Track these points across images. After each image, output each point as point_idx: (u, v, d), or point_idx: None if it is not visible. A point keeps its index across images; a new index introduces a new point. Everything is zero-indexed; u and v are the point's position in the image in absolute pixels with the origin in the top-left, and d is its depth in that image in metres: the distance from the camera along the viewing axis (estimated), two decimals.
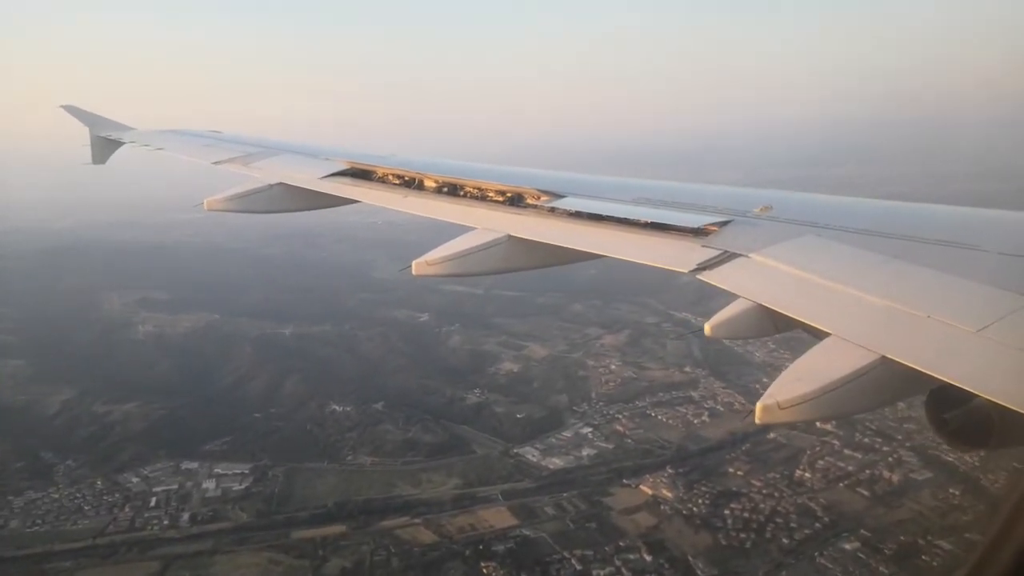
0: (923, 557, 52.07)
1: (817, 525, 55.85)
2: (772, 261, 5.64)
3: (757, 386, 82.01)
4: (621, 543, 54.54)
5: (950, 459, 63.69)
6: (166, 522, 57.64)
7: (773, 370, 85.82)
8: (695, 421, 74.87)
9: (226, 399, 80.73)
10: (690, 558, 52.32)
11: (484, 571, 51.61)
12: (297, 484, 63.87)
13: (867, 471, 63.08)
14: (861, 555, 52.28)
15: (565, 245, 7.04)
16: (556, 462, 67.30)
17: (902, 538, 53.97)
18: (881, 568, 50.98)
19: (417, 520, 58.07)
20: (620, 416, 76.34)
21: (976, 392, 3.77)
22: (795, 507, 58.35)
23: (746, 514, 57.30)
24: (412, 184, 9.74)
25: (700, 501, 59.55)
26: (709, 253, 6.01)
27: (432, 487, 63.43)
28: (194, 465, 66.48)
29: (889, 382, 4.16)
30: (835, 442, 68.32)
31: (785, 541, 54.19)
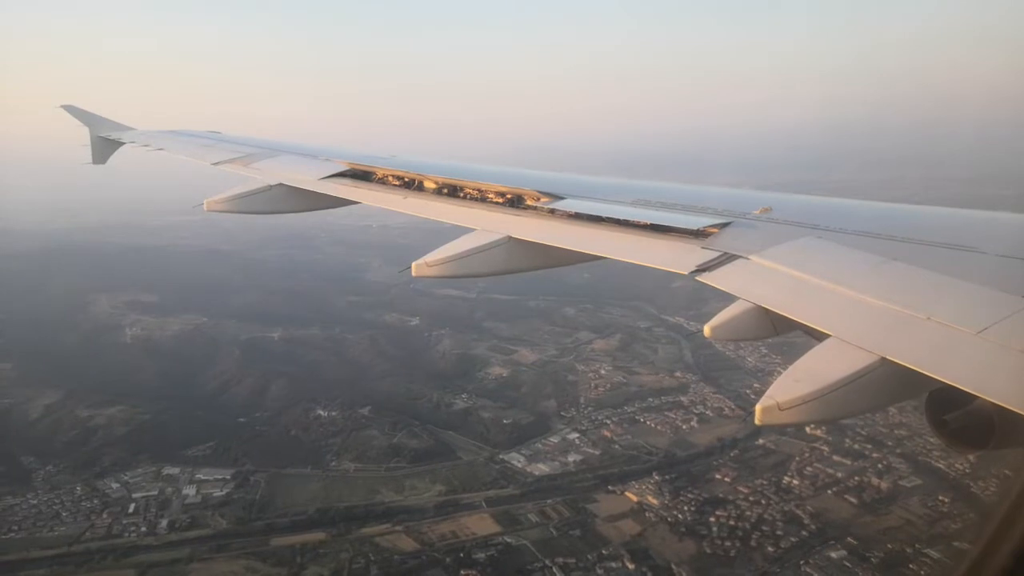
0: (910, 566, 51.40)
1: (803, 533, 55.10)
2: (772, 263, 5.63)
3: (748, 391, 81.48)
4: (604, 551, 53.78)
5: (940, 466, 63.08)
6: (144, 529, 56.81)
7: (765, 375, 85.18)
8: (684, 427, 74.10)
9: (211, 403, 79.95)
10: (673, 566, 51.56)
11: None
12: (279, 490, 63.05)
13: (856, 478, 62.33)
14: (847, 563, 51.55)
15: (565, 246, 7.03)
16: (542, 468, 66.49)
17: (889, 546, 53.22)
18: None
19: (398, 527, 57.29)
20: (608, 421, 75.60)
21: (976, 393, 3.78)
22: (782, 514, 57.57)
23: (732, 521, 56.55)
24: (412, 185, 9.71)
25: (686, 508, 58.79)
26: (709, 255, 6.01)
27: (415, 494, 62.63)
28: (176, 471, 65.70)
29: (889, 383, 4.17)
30: (824, 448, 67.59)
31: (770, 549, 53.43)
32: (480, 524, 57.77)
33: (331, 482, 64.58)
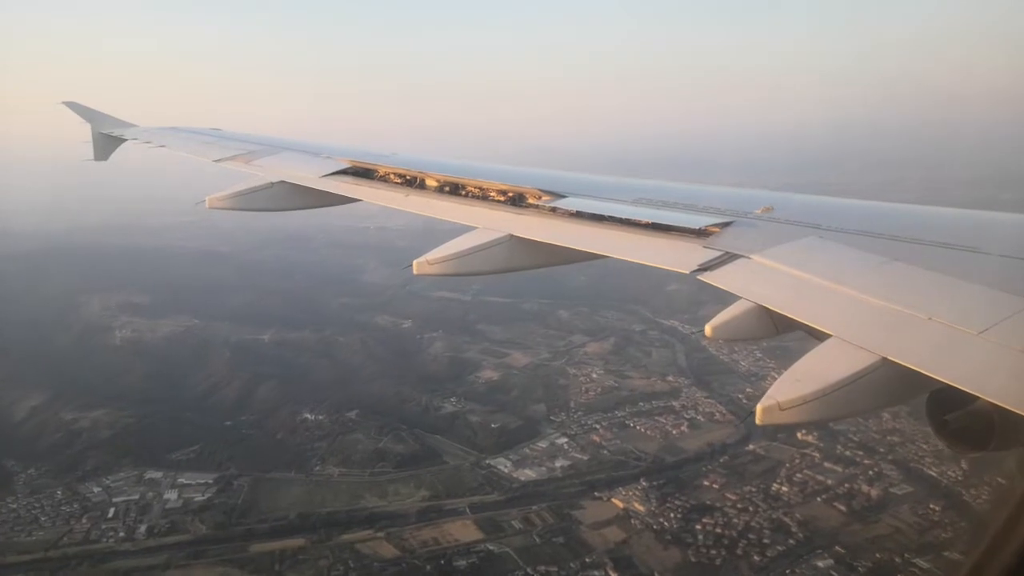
0: None
1: (791, 541, 54.20)
2: (773, 262, 5.63)
3: (741, 396, 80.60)
4: (587, 559, 53.03)
5: (932, 473, 62.15)
6: (122, 534, 56.15)
7: (758, 379, 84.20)
8: (674, 432, 73.20)
9: (198, 406, 79.33)
10: (656, 575, 50.68)
11: None
12: (262, 495, 62.36)
13: (846, 485, 61.39)
14: (834, 573, 50.65)
15: (566, 245, 7.01)
16: (528, 474, 65.66)
17: (878, 555, 52.30)
18: None
19: (380, 534, 56.54)
20: (598, 426, 74.69)
21: (977, 394, 3.77)
22: (769, 522, 56.67)
23: (718, 529, 55.65)
24: (414, 183, 9.68)
25: (672, 515, 57.89)
26: (710, 254, 5.99)
27: (399, 499, 61.89)
28: (158, 475, 65.10)
29: (890, 383, 4.16)
30: (815, 454, 66.64)
31: (756, 558, 52.55)
32: (463, 531, 57.01)
33: (314, 487, 63.89)
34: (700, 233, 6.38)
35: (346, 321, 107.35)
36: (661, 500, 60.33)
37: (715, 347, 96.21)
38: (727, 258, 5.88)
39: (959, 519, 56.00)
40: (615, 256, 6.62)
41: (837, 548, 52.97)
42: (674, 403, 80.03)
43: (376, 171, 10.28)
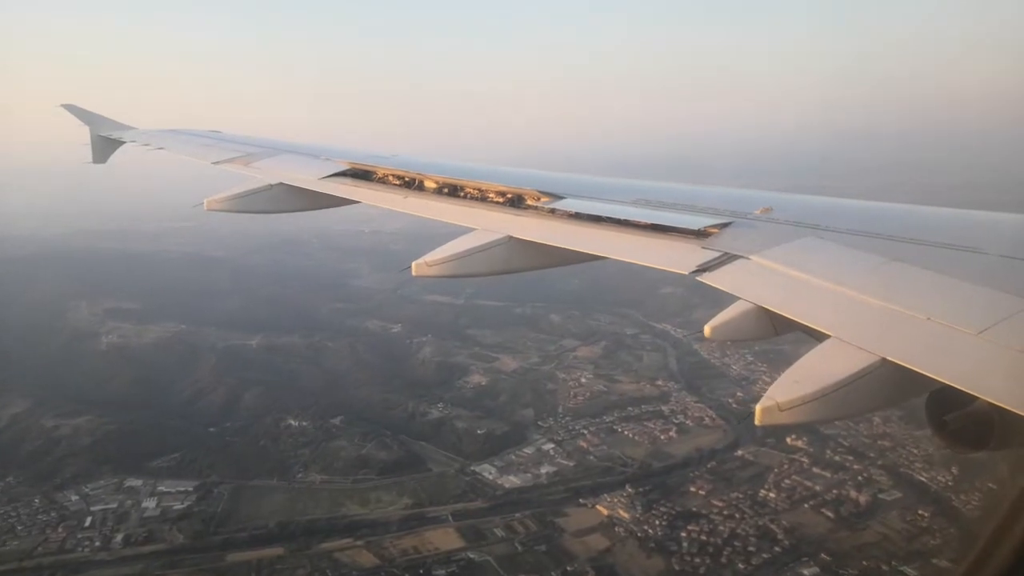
0: None
1: (776, 549, 53.35)
2: (772, 263, 5.62)
3: (730, 400, 79.77)
4: (569, 567, 52.24)
5: (922, 478, 61.33)
6: (98, 543, 55.27)
7: (749, 383, 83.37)
8: (662, 437, 72.34)
9: (182, 413, 78.55)
10: None
11: None
12: (242, 503, 61.51)
13: (834, 491, 60.52)
14: None
15: (565, 246, 7.01)
16: (513, 480, 64.81)
17: (864, 563, 51.44)
18: None
19: (360, 542, 55.71)
20: (585, 432, 73.88)
21: (976, 394, 3.77)
22: (755, 529, 55.78)
23: (703, 537, 54.80)
24: (412, 185, 9.68)
25: (657, 522, 57.02)
26: (709, 255, 5.98)
27: (380, 507, 61.04)
28: (138, 483, 64.22)
29: (889, 384, 4.15)
30: (804, 460, 65.76)
31: (741, 566, 51.69)
32: (444, 539, 56.18)
33: (296, 494, 63.06)
34: (699, 234, 6.37)
35: (336, 326, 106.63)
36: (646, 507, 59.44)
37: (707, 351, 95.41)
38: (726, 259, 5.87)
39: (948, 525, 55.12)
40: (614, 257, 6.63)
41: (823, 556, 52.13)
42: (663, 408, 79.21)
43: (375, 173, 10.28)
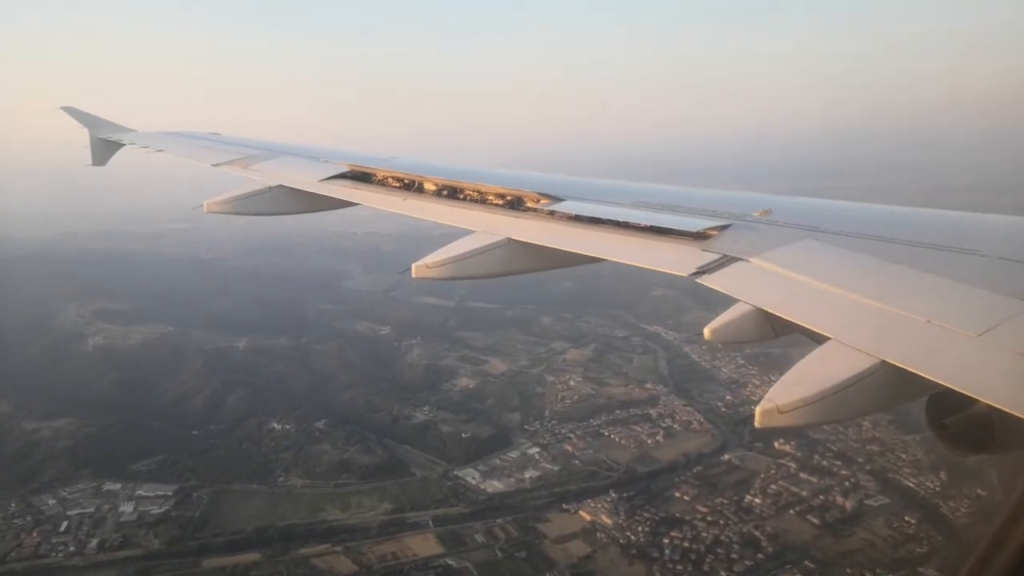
0: None
1: (760, 556, 52.58)
2: (772, 265, 5.61)
3: (719, 404, 79.02)
4: (548, 574, 51.31)
5: (910, 484, 60.63)
6: (72, 549, 54.51)
7: (738, 387, 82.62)
8: (649, 441, 71.53)
9: (165, 415, 77.66)
10: None
11: None
12: (221, 507, 60.74)
13: (821, 497, 59.76)
14: None
15: (564, 248, 7.01)
16: (496, 485, 64.01)
17: (848, 571, 50.66)
18: None
19: (338, 548, 54.95)
20: (572, 435, 73.08)
21: (976, 397, 3.76)
22: (739, 536, 55.01)
23: (686, 543, 54.02)
24: (412, 187, 9.63)
25: (640, 528, 56.25)
26: (708, 257, 5.98)
27: (361, 512, 60.26)
28: (117, 486, 63.45)
29: (888, 386, 4.14)
30: (792, 465, 64.98)
31: (723, 573, 50.83)
32: (423, 545, 55.38)
33: (276, 499, 62.25)
34: (698, 236, 6.34)
35: (324, 328, 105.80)
36: (630, 513, 58.67)
37: (697, 354, 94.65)
38: (725, 261, 5.85)
39: (935, 532, 54.34)
40: (613, 259, 6.61)
41: (807, 563, 51.35)
42: (651, 411, 78.40)
43: (374, 175, 10.23)
